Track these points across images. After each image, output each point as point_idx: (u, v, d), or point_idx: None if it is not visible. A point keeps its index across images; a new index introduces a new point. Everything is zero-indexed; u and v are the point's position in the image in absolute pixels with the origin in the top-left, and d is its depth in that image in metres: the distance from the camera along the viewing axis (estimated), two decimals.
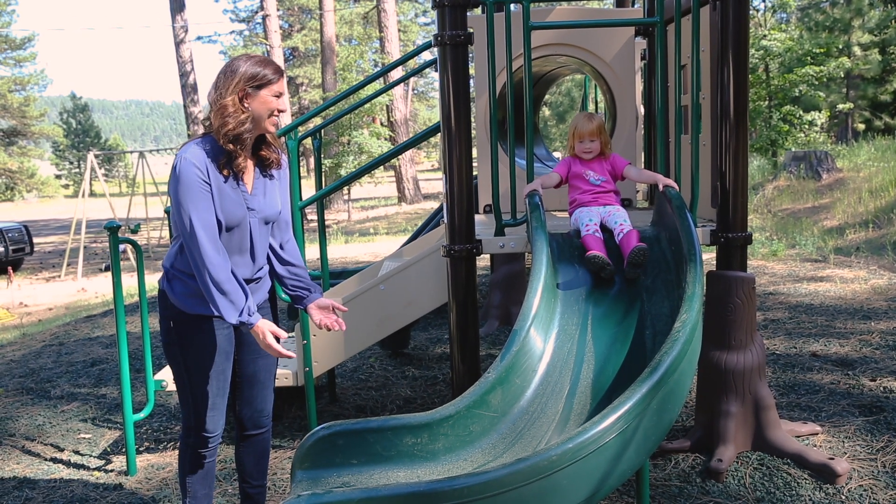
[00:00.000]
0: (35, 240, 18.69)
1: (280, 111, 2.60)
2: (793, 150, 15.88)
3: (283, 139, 2.73)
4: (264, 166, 2.65)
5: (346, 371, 5.17)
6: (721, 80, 3.25)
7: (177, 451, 3.91)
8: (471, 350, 3.36)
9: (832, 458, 3.17)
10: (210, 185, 2.49)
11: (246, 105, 2.51)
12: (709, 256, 4.84)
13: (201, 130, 2.64)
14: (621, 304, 2.92)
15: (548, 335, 2.82)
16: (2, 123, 48.23)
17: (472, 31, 3.30)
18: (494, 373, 2.63)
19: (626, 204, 4.41)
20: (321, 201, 4.13)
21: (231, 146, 2.50)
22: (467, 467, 2.52)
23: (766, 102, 16.74)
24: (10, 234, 17.57)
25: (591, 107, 7.95)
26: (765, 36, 16.79)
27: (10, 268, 16.31)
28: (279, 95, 2.57)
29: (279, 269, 2.77)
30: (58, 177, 60.63)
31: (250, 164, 2.62)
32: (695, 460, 3.37)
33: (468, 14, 3.30)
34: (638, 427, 2.19)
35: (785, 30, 18.13)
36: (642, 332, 2.80)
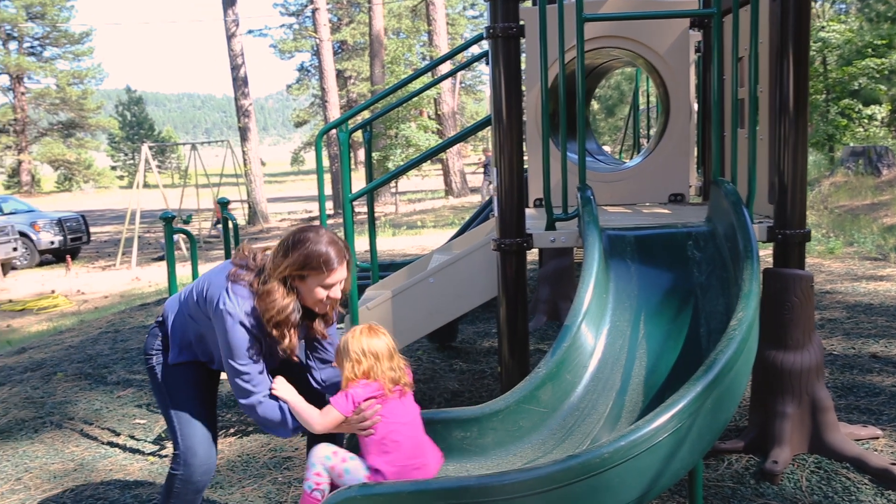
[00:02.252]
0: (91, 229, 19.18)
1: (331, 299, 2.43)
2: (851, 144, 15.44)
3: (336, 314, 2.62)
4: (308, 334, 2.57)
5: None
6: (780, 72, 3.17)
7: (229, 439, 3.98)
8: (520, 345, 3.34)
9: (894, 464, 3.07)
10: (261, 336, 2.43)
11: (293, 288, 2.39)
12: (765, 253, 4.74)
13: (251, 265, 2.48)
14: (674, 300, 2.87)
15: (599, 331, 2.79)
16: (61, 116, 49.59)
17: (523, 23, 3.27)
18: (545, 368, 2.61)
19: (679, 199, 4.35)
20: (371, 194, 4.15)
21: (275, 331, 2.39)
22: (517, 462, 2.51)
23: (823, 96, 16.31)
24: (68, 224, 18.09)
25: (641, 101, 7.84)
26: (822, 27, 16.35)
27: (68, 256, 16.80)
28: (331, 287, 2.40)
29: (314, 384, 2.68)
30: (113, 168, 62.15)
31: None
32: (748, 461, 3.30)
33: (519, 6, 3.27)
34: (692, 426, 2.15)
35: (844, 21, 17.62)
36: (696, 329, 2.75)
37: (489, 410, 2.55)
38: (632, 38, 4.13)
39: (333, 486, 2.40)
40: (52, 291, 12.90)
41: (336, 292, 2.43)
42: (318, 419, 2.40)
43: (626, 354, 2.76)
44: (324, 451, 2.41)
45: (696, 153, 4.73)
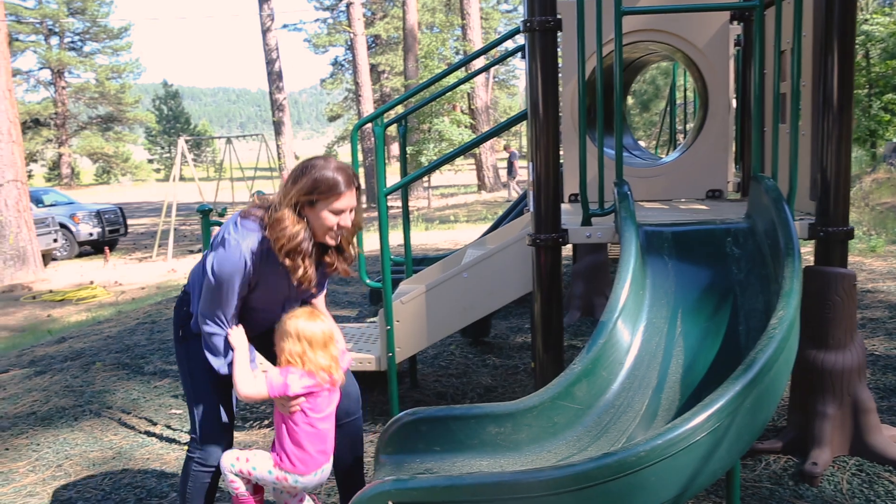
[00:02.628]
0: (129, 221, 19.48)
1: (341, 227, 2.43)
2: (894, 140, 15.10)
3: (354, 251, 2.60)
4: (322, 267, 2.57)
5: (427, 358, 5.20)
6: (824, 66, 3.10)
7: (263, 430, 4.02)
8: (555, 340, 3.32)
9: None
10: (253, 273, 2.43)
11: (303, 216, 2.39)
12: (805, 251, 4.65)
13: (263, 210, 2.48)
14: (713, 298, 2.83)
15: (635, 328, 2.76)
16: (100, 110, 50.43)
17: (560, 17, 3.24)
18: (580, 364, 2.59)
19: (717, 195, 4.29)
20: (405, 188, 4.14)
21: (288, 261, 2.38)
22: (551, 459, 2.49)
23: (866, 91, 15.96)
24: (106, 216, 18.40)
25: (678, 95, 7.74)
26: (866, 20, 15.98)
27: (106, 248, 17.09)
28: (341, 212, 2.40)
29: None
30: (150, 161, 63.05)
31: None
32: (787, 462, 3.25)
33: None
34: (730, 426, 2.12)
35: (888, 13, 17.21)
36: (735, 327, 2.71)
37: (523, 406, 2.54)
38: (670, 31, 4.07)
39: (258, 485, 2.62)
40: (91, 282, 13.12)
41: (346, 220, 2.41)
42: (246, 384, 2.45)
43: (662, 352, 2.72)
44: (228, 459, 2.58)
45: (734, 149, 4.65)
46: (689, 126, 7.62)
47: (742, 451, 2.22)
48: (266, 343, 2.67)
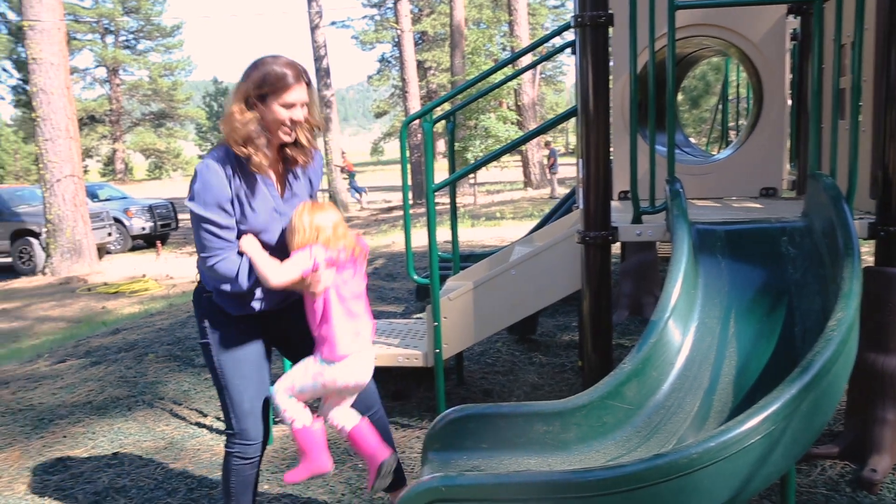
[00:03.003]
0: (179, 216, 19.86)
1: (294, 122, 2.42)
2: None
3: (312, 146, 2.57)
4: (287, 165, 2.55)
5: (474, 354, 5.20)
6: (888, 60, 3.00)
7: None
8: (603, 339, 3.29)
9: None
10: (232, 183, 2.42)
11: (253, 111, 2.39)
12: (864, 251, 4.53)
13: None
14: (767, 298, 2.77)
15: (687, 328, 2.71)
16: (152, 106, 51.52)
17: (612, 12, 3.20)
18: (630, 364, 2.56)
19: (771, 193, 4.19)
20: (453, 185, 4.14)
21: (243, 149, 2.38)
22: (600, 459, 2.47)
23: None
24: (158, 210, 18.82)
25: (731, 91, 7.60)
26: None
27: (158, 241, 17.47)
28: (291, 106, 2.40)
29: None
30: (200, 157, 64.14)
31: (279, 166, 2.53)
32: (844, 468, 3.17)
33: None
34: (786, 430, 2.07)
35: None
36: (791, 328, 2.65)
37: (572, 405, 2.52)
38: (724, 25, 4.00)
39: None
40: (143, 275, 13.41)
41: (297, 113, 2.41)
42: (275, 273, 2.42)
43: (715, 352, 2.68)
44: (278, 392, 2.56)
45: (788, 146, 4.55)
46: (741, 123, 7.48)
47: (798, 456, 2.17)
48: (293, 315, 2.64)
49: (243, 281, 2.46)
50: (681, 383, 2.61)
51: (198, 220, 2.41)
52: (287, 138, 2.45)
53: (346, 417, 2.68)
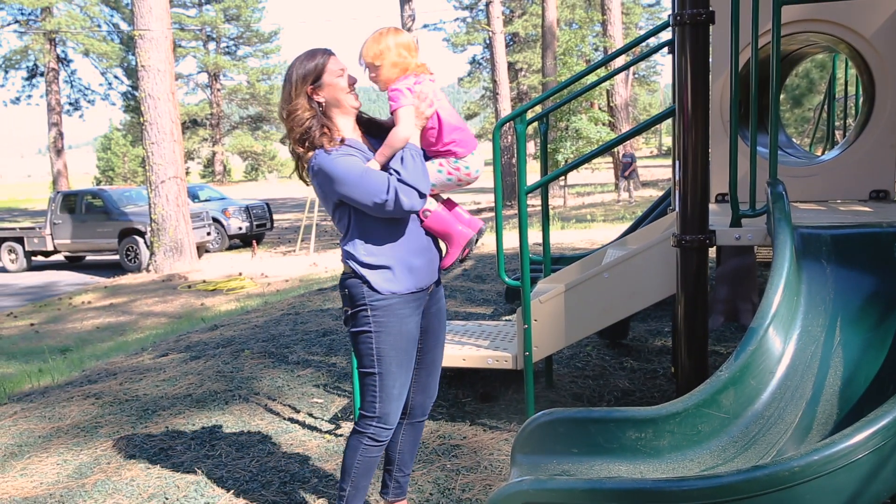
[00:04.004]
0: (274, 217, 20.45)
1: (352, 81, 2.64)
2: None
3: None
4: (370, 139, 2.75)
5: (563, 358, 5.15)
6: None
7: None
8: (698, 346, 3.20)
9: None
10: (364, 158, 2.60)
11: (317, 100, 2.59)
12: None
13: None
14: (877, 307, 2.63)
15: (788, 336, 2.61)
16: (250, 110, 53.28)
17: (713, 9, 3.11)
18: (727, 372, 2.48)
19: (882, 196, 3.99)
20: (545, 187, 4.11)
21: (299, 147, 2.59)
22: (694, 468, 2.40)
23: None
24: (254, 211, 19.44)
25: (839, 90, 7.27)
26: None
27: (254, 241, 18.05)
28: (343, 72, 2.61)
29: None
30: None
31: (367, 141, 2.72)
32: None
33: None
34: None
35: None
36: None
37: (666, 412, 2.46)
38: (834, 20, 3.83)
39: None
40: (240, 274, 13.87)
41: (351, 76, 2.64)
42: (400, 128, 2.57)
43: (818, 362, 2.56)
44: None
45: None
46: (849, 122, 7.14)
47: None
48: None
49: (419, 178, 2.54)
50: (781, 393, 2.52)
51: (356, 176, 2.51)
52: (355, 102, 2.65)
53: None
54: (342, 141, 2.58)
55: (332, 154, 2.53)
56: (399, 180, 2.50)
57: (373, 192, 2.49)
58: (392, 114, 2.64)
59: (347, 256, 2.65)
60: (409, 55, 2.65)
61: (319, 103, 2.60)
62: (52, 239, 17.47)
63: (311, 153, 2.58)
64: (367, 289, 2.62)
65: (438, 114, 2.66)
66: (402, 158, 2.55)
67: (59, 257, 18.35)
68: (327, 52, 2.63)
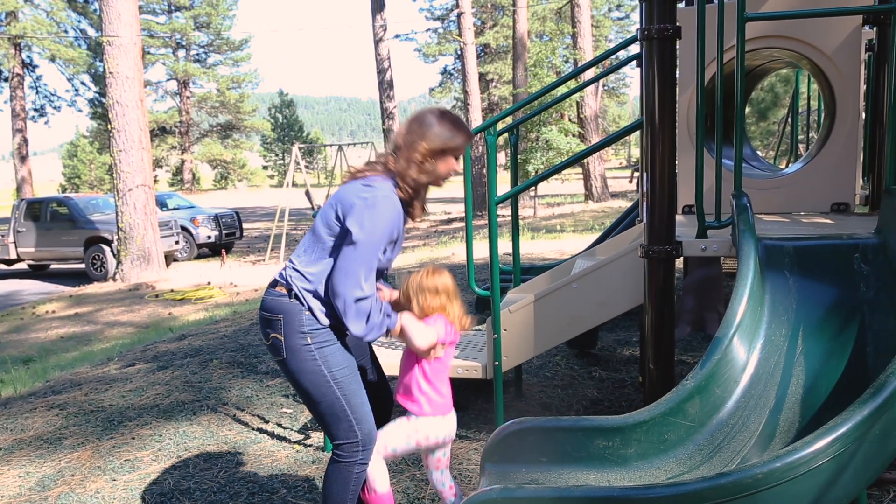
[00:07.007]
0: (244, 225, 20.29)
1: (457, 172, 2.70)
2: None
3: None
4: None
5: (533, 367, 5.18)
6: None
7: None
8: (665, 355, 3.24)
9: None
10: (396, 232, 2.53)
11: (433, 160, 2.55)
12: None
13: (379, 167, 2.62)
14: (838, 316, 2.70)
15: (752, 345, 2.66)
16: (220, 118, 52.94)
17: (679, 25, 3.17)
18: (693, 381, 2.52)
19: (843, 209, 4.08)
20: (515, 198, 4.14)
21: (410, 192, 2.55)
22: (660, 476, 2.44)
23: None
24: (223, 220, 19.28)
25: (802, 104, 7.42)
26: None
27: (223, 250, 17.89)
28: (460, 157, 2.63)
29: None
30: (264, 167, 65.57)
31: None
32: None
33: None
34: (856, 452, 2.01)
35: None
36: (862, 348, 2.57)
37: (633, 421, 2.50)
38: (795, 37, 3.92)
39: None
40: (209, 283, 13.72)
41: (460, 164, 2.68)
42: (423, 337, 2.56)
43: (781, 371, 2.62)
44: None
45: (861, 159, 4.42)
46: (811, 136, 7.29)
47: (869, 481, 2.10)
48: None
49: (369, 333, 2.48)
50: (745, 402, 2.56)
51: (364, 250, 2.42)
52: (443, 183, 2.67)
53: (446, 478, 2.79)
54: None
55: (390, 204, 2.47)
56: (361, 302, 2.42)
57: (357, 272, 2.42)
58: (422, 319, 2.61)
59: (297, 277, 2.54)
60: (447, 301, 2.64)
61: (433, 162, 2.56)
62: (16, 247, 17.16)
63: (387, 181, 2.53)
64: (310, 316, 2.52)
65: (429, 364, 2.64)
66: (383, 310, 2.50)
67: (22, 266, 18.02)
68: (470, 137, 2.63)
